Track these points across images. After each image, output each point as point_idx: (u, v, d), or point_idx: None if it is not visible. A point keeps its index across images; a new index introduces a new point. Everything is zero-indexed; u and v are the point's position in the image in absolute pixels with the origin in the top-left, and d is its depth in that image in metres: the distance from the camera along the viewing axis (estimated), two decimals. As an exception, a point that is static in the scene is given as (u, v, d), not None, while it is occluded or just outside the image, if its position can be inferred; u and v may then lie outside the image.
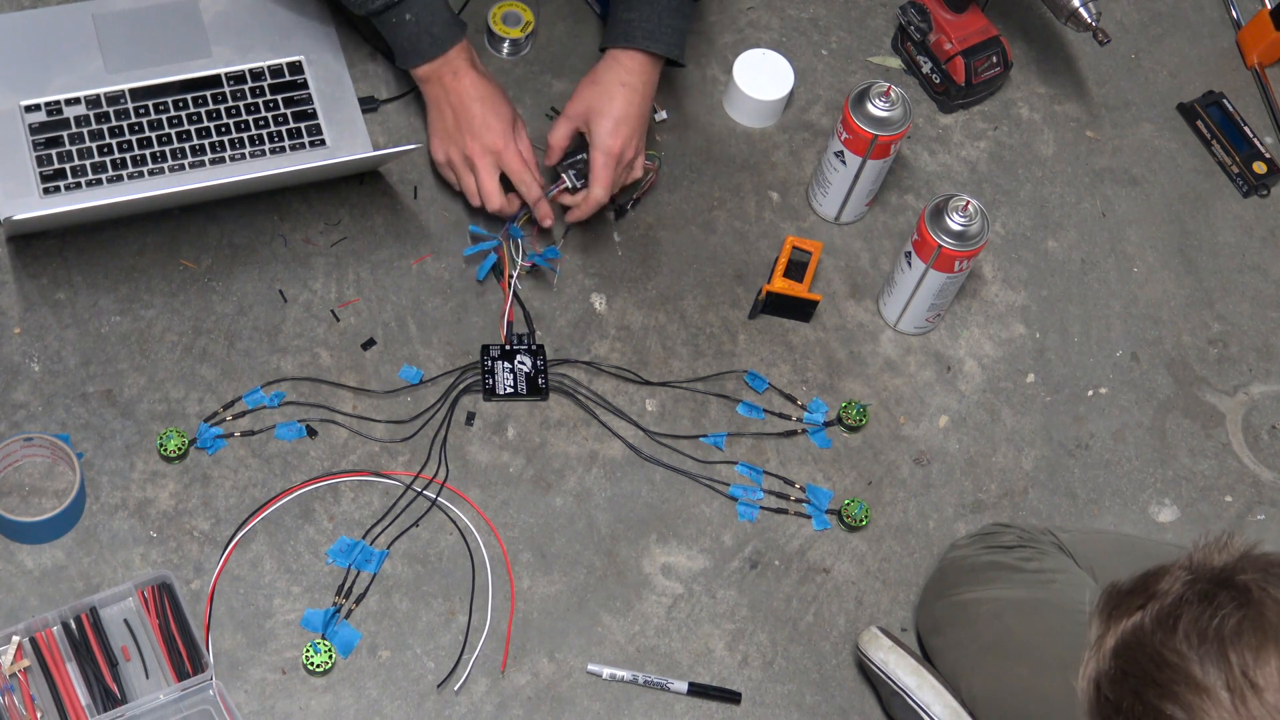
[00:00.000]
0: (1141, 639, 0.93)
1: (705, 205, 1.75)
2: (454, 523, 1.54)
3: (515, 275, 1.63)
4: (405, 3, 1.55)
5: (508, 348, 1.61)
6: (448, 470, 1.56)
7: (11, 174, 1.60)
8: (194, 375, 1.56)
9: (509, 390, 1.60)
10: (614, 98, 1.59)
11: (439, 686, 1.45)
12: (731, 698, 1.50)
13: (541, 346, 1.62)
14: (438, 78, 1.60)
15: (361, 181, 1.69)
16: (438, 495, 1.54)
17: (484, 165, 1.60)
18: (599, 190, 1.60)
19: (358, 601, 1.49)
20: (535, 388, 1.60)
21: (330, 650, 1.44)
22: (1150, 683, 0.92)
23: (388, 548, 1.51)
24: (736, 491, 1.59)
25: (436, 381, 1.60)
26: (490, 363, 1.60)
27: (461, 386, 1.60)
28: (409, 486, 1.54)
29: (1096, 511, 1.65)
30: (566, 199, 1.64)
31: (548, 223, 1.63)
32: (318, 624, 1.47)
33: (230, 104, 1.67)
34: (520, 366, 1.60)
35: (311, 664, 1.44)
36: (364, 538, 1.50)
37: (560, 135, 1.63)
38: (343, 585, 1.49)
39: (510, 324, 1.63)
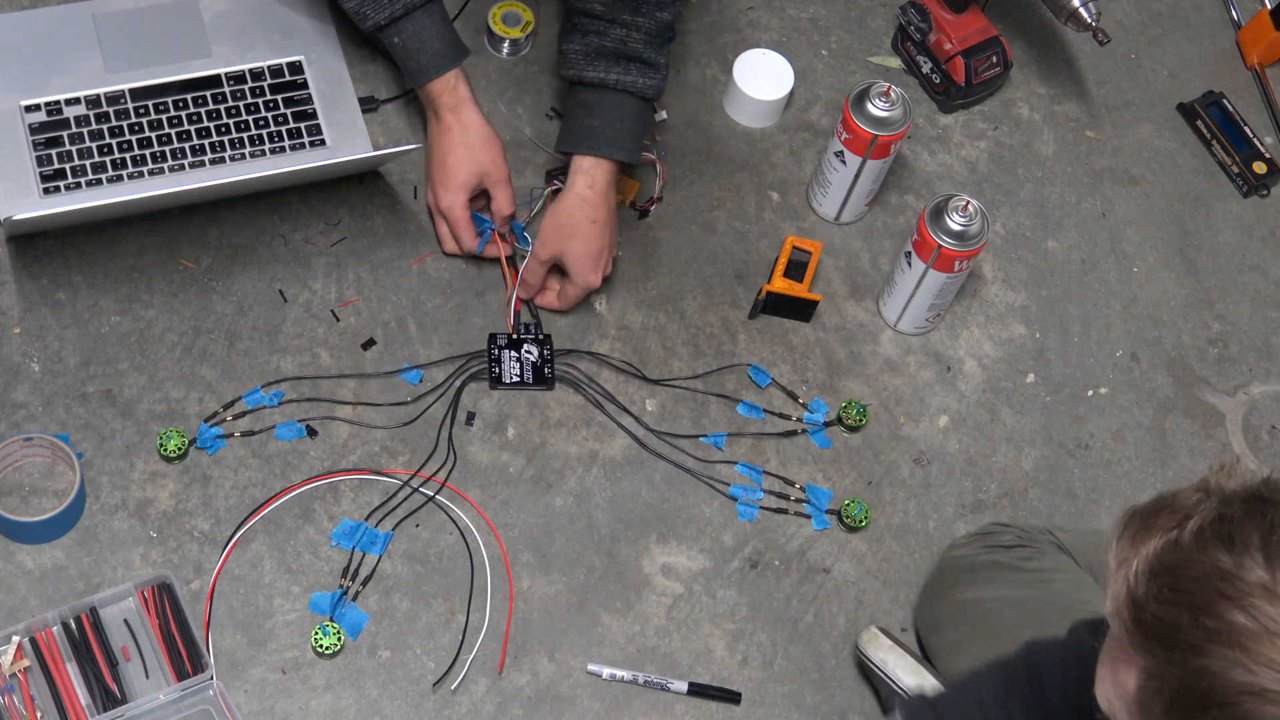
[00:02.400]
0: (1184, 557, 0.93)
1: (705, 205, 1.75)
2: (454, 522, 1.54)
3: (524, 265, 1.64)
4: (393, 27, 1.56)
5: (515, 336, 1.62)
6: (455, 457, 1.56)
7: (11, 174, 1.60)
8: (194, 375, 1.56)
9: (515, 379, 1.60)
10: (585, 236, 1.58)
11: (435, 685, 1.45)
12: (731, 698, 1.50)
13: (549, 336, 1.62)
14: (427, 111, 1.62)
15: (361, 181, 1.69)
16: (445, 482, 1.54)
17: (438, 218, 1.64)
18: (566, 308, 1.64)
19: (365, 583, 1.49)
20: (541, 377, 1.60)
21: (339, 632, 1.45)
22: (1213, 595, 0.91)
23: (393, 529, 1.51)
24: (736, 491, 1.59)
25: (440, 366, 1.60)
26: (497, 351, 1.61)
27: (467, 374, 1.60)
28: (414, 474, 1.54)
29: (1096, 511, 1.65)
30: (545, 297, 1.65)
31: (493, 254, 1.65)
32: (325, 607, 1.47)
33: (230, 104, 1.67)
34: (527, 356, 1.61)
35: (320, 646, 1.44)
36: (367, 519, 1.51)
37: (538, 277, 1.62)
38: (348, 568, 1.49)
39: (517, 313, 1.63)
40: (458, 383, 1.60)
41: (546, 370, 1.61)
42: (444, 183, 1.60)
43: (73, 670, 1.40)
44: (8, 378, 1.53)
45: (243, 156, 1.65)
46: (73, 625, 1.41)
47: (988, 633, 1.44)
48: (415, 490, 1.54)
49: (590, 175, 1.58)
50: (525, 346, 1.61)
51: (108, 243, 1.61)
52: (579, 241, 1.58)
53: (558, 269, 1.62)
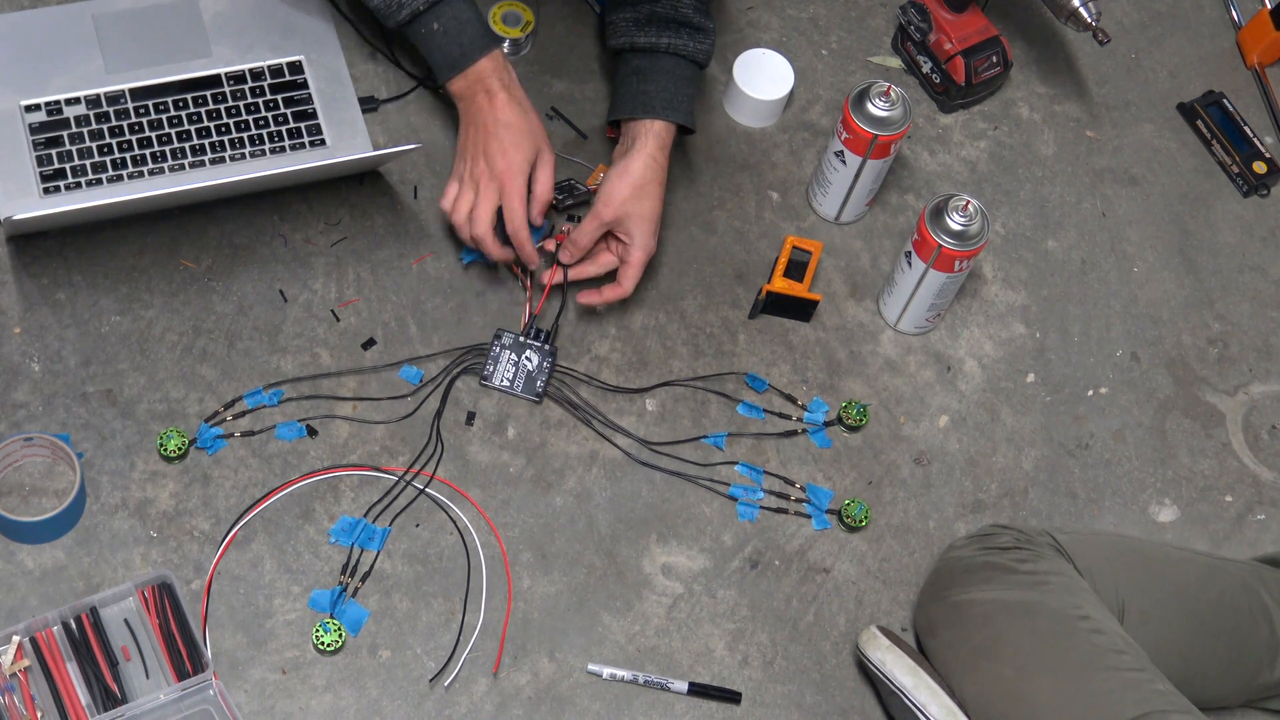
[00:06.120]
0: None
1: (705, 205, 1.75)
2: (454, 522, 1.54)
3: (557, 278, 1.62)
4: (432, 11, 1.52)
5: (522, 339, 1.61)
6: (443, 447, 1.56)
7: (11, 174, 1.60)
8: (194, 375, 1.56)
9: (506, 384, 1.59)
10: (653, 197, 1.56)
11: (431, 681, 1.45)
12: (731, 698, 1.50)
13: (555, 348, 1.61)
14: (471, 95, 1.55)
15: (361, 181, 1.69)
16: (434, 475, 1.54)
17: (486, 190, 1.54)
18: (629, 286, 1.58)
19: (363, 579, 1.49)
20: (533, 389, 1.60)
21: (340, 629, 1.45)
22: None
23: (390, 524, 1.51)
24: (736, 491, 1.59)
25: (439, 360, 1.60)
26: (499, 349, 1.60)
27: (463, 366, 1.59)
28: (406, 471, 1.54)
29: (1096, 511, 1.65)
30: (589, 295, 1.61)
31: (533, 265, 1.60)
32: (325, 604, 1.47)
33: (230, 104, 1.67)
34: (525, 363, 1.60)
35: (322, 643, 1.44)
36: (364, 516, 1.51)
37: (590, 238, 1.58)
38: (347, 564, 1.49)
39: (534, 316, 1.62)
40: (453, 374, 1.59)
41: (538, 383, 1.60)
42: (514, 157, 1.52)
43: (73, 670, 1.40)
44: (8, 378, 1.53)
45: (243, 156, 1.65)
46: (73, 625, 1.41)
47: (979, 636, 1.44)
48: (408, 484, 1.54)
49: (659, 138, 1.57)
50: (527, 353, 1.60)
51: (108, 243, 1.61)
52: (647, 202, 1.56)
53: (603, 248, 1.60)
